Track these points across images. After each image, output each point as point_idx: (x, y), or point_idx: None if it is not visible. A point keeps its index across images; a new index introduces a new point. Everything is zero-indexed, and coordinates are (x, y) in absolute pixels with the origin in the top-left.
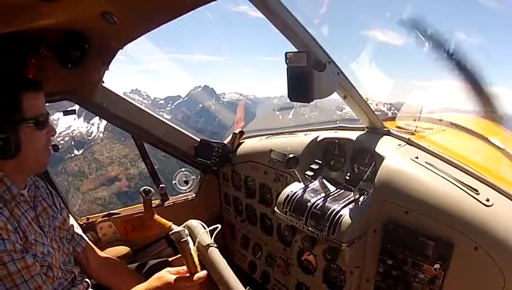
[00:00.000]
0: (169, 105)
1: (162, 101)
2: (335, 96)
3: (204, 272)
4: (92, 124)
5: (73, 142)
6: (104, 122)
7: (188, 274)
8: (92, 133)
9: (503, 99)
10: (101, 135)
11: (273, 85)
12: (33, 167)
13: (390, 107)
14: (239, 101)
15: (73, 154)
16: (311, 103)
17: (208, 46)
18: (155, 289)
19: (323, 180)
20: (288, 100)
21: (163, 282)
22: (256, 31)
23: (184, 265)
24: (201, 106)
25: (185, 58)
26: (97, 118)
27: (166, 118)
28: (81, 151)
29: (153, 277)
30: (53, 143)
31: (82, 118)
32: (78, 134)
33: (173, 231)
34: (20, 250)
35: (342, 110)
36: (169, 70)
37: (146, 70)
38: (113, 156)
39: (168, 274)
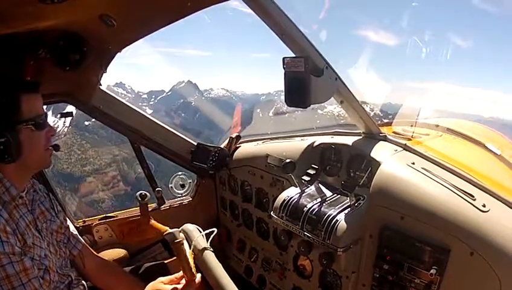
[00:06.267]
0: (152, 99)
1: (145, 96)
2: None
3: (198, 277)
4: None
5: None
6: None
7: (183, 276)
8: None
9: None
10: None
11: (260, 82)
12: (34, 168)
13: (387, 114)
14: (225, 97)
15: None
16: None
17: (198, 41)
18: None
19: (320, 185)
20: (285, 105)
21: None
22: (246, 27)
23: (179, 268)
24: (182, 101)
25: (173, 52)
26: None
27: (163, 122)
28: None
29: (146, 288)
30: (54, 143)
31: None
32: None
33: (168, 232)
34: (18, 253)
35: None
36: (156, 64)
37: (132, 64)
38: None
39: (161, 285)
